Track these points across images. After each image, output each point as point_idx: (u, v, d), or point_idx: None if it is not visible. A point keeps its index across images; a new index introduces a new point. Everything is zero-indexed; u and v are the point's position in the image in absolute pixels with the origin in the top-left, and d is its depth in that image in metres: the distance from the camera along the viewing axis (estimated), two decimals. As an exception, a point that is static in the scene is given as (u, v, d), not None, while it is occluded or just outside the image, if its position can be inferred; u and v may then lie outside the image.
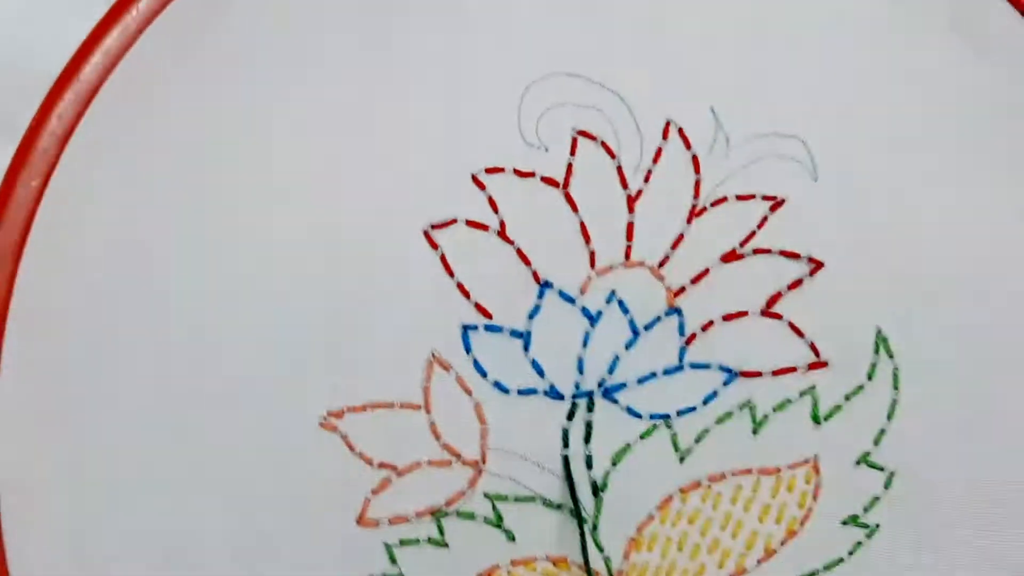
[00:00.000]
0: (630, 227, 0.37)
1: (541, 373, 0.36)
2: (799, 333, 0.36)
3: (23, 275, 0.35)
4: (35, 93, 0.35)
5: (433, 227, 0.36)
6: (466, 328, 0.36)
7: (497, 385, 0.36)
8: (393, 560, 0.34)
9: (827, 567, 0.35)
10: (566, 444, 0.35)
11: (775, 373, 0.36)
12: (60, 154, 0.35)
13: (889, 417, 0.36)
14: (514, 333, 0.36)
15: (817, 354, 0.36)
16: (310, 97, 0.36)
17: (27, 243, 0.35)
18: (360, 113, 0.36)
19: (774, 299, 0.36)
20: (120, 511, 0.34)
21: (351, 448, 0.35)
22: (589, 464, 0.35)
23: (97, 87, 0.35)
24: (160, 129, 0.36)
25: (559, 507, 0.35)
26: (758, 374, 0.36)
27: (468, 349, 0.36)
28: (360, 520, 0.34)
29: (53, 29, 0.37)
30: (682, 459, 0.35)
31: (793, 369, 0.36)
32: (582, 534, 0.35)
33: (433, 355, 0.35)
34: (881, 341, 0.36)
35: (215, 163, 0.36)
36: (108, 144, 0.36)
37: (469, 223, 0.36)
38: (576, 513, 0.35)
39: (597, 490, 0.35)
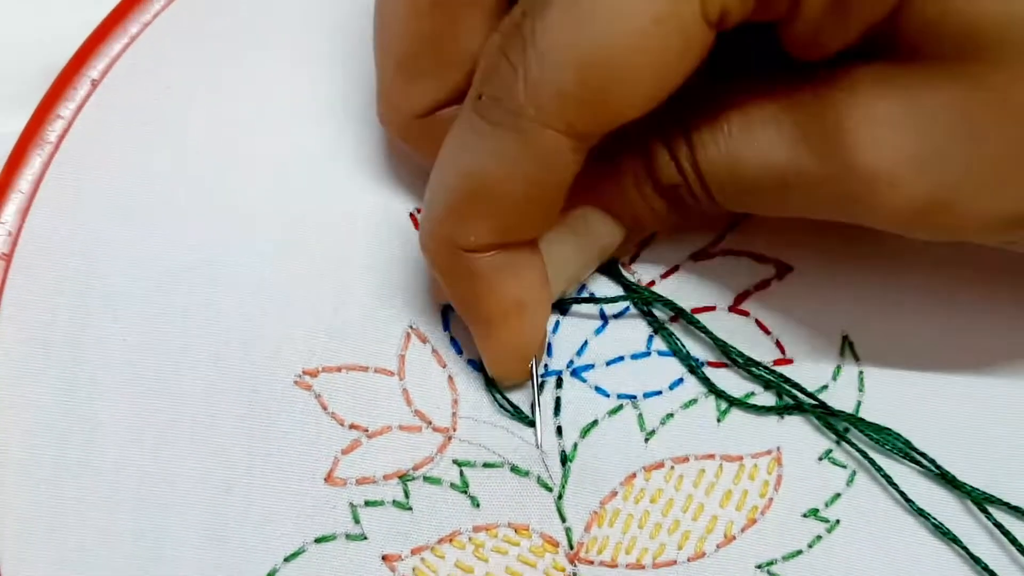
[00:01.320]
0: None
1: (513, 355, 0.37)
2: (765, 330, 0.37)
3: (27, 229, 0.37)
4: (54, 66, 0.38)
5: (419, 209, 0.38)
6: (446, 307, 0.37)
7: (471, 363, 0.37)
8: (356, 520, 0.35)
9: (786, 558, 0.35)
10: (534, 412, 0.36)
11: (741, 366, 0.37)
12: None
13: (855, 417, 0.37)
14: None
15: (783, 351, 0.37)
16: (306, 80, 0.39)
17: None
18: (353, 94, 0.39)
19: (742, 297, 0.38)
20: (97, 450, 0.35)
21: (324, 407, 0.36)
22: (560, 432, 0.36)
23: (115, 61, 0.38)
24: (160, 105, 0.39)
25: (527, 473, 0.35)
26: (724, 365, 0.37)
27: (447, 327, 0.37)
28: (328, 478, 0.35)
29: (68, 13, 0.40)
30: (647, 439, 0.36)
31: (758, 364, 0.37)
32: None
33: (411, 327, 0.37)
34: (847, 345, 0.37)
35: (217, 130, 0.39)
36: (118, 109, 0.39)
37: (452, 209, 0.38)
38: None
39: (565, 459, 0.36)
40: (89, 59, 0.38)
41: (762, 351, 0.37)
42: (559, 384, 0.36)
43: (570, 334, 0.37)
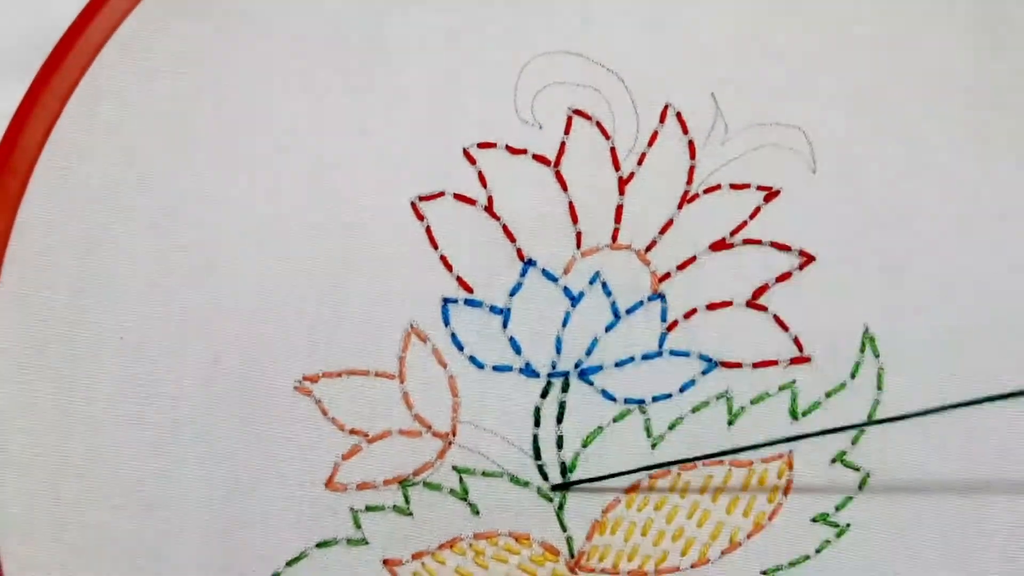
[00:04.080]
0: (619, 209, 0.36)
1: (518, 350, 0.36)
2: (784, 327, 0.36)
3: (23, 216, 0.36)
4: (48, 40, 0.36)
5: (421, 198, 0.36)
6: (446, 301, 0.36)
7: (473, 360, 0.36)
8: (358, 525, 0.35)
9: (792, 563, 0.35)
10: (537, 423, 0.35)
11: (755, 365, 0.36)
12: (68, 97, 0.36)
13: (870, 417, 0.36)
14: (494, 309, 0.36)
15: (800, 349, 0.36)
16: (307, 64, 0.37)
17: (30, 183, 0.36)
18: (359, 81, 0.37)
19: (761, 290, 0.36)
20: (101, 452, 0.35)
21: (324, 413, 0.35)
22: (560, 444, 0.35)
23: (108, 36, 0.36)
24: (161, 82, 0.37)
25: (526, 484, 0.35)
26: (738, 365, 0.36)
27: (447, 322, 0.36)
28: (328, 483, 0.35)
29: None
30: (654, 445, 0.35)
31: (774, 362, 0.36)
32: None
33: (411, 326, 0.36)
34: (868, 340, 0.36)
35: (209, 123, 0.36)
36: (110, 96, 0.36)
37: (457, 196, 0.36)
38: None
39: (565, 470, 0.35)
40: (80, 39, 0.36)
41: (778, 349, 0.36)
42: (565, 387, 0.35)
43: (581, 329, 0.36)
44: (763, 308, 0.36)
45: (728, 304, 0.36)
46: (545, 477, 0.35)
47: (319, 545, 0.35)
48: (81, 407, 0.35)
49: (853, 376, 0.36)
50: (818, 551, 0.35)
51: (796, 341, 0.36)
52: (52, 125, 0.36)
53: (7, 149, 0.35)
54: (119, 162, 0.36)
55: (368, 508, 0.35)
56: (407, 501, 0.35)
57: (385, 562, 0.35)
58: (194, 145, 0.36)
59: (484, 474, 0.35)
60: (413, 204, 0.36)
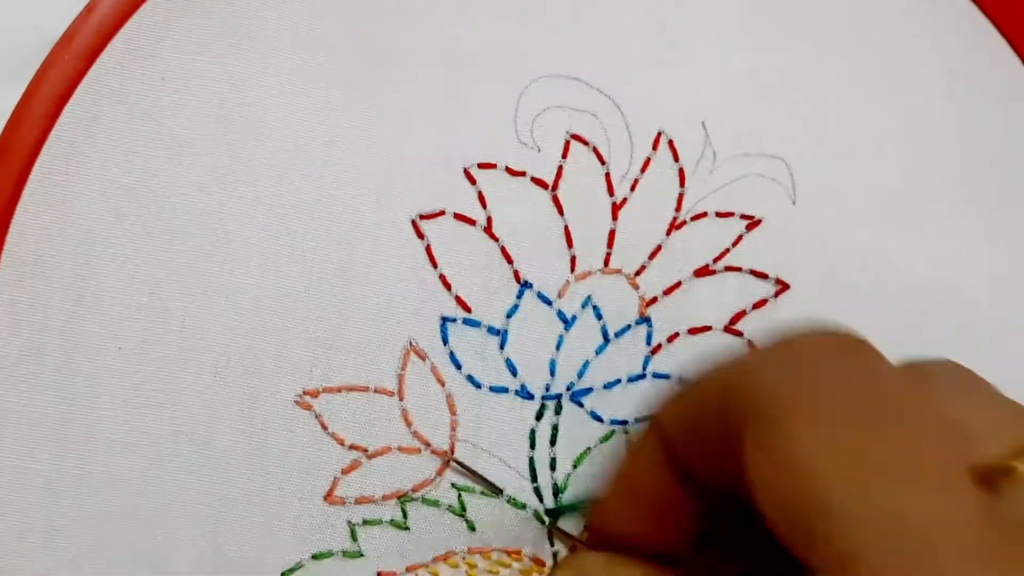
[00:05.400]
0: (611, 234, 0.38)
1: (514, 372, 0.37)
2: (758, 352, 0.38)
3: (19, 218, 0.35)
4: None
5: (421, 217, 0.37)
6: (445, 320, 0.36)
7: (470, 379, 0.37)
8: (354, 538, 0.35)
9: None
10: (532, 445, 0.37)
11: (733, 388, 0.38)
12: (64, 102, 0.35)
13: None
14: (491, 330, 0.37)
15: (774, 373, 0.38)
16: (310, 78, 0.36)
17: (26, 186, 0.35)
18: (359, 98, 0.36)
19: (738, 316, 0.38)
20: (98, 461, 0.35)
21: (324, 427, 0.36)
22: (553, 466, 0.37)
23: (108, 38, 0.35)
24: (162, 86, 0.36)
25: (523, 507, 0.36)
26: None
27: (445, 340, 0.36)
28: (327, 497, 0.35)
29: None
30: (636, 464, 0.37)
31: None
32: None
33: (411, 343, 0.36)
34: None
35: (210, 133, 0.36)
36: (110, 101, 0.36)
37: (457, 216, 0.37)
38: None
39: (558, 491, 0.37)
40: (76, 40, 0.35)
41: (754, 373, 0.38)
42: (558, 410, 0.37)
43: (573, 352, 0.37)
44: (739, 333, 0.38)
45: (707, 328, 0.38)
46: (540, 499, 0.36)
47: (315, 556, 0.35)
48: (79, 416, 0.35)
49: (821, 400, 0.38)
50: None
51: (769, 365, 0.38)
52: (49, 127, 0.35)
53: (2, 151, 0.34)
54: (118, 168, 0.35)
55: (366, 522, 0.36)
56: (405, 516, 0.36)
57: (379, 574, 0.36)
58: (194, 156, 0.36)
59: (483, 493, 0.36)
60: (414, 222, 0.36)
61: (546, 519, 0.36)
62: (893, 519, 0.21)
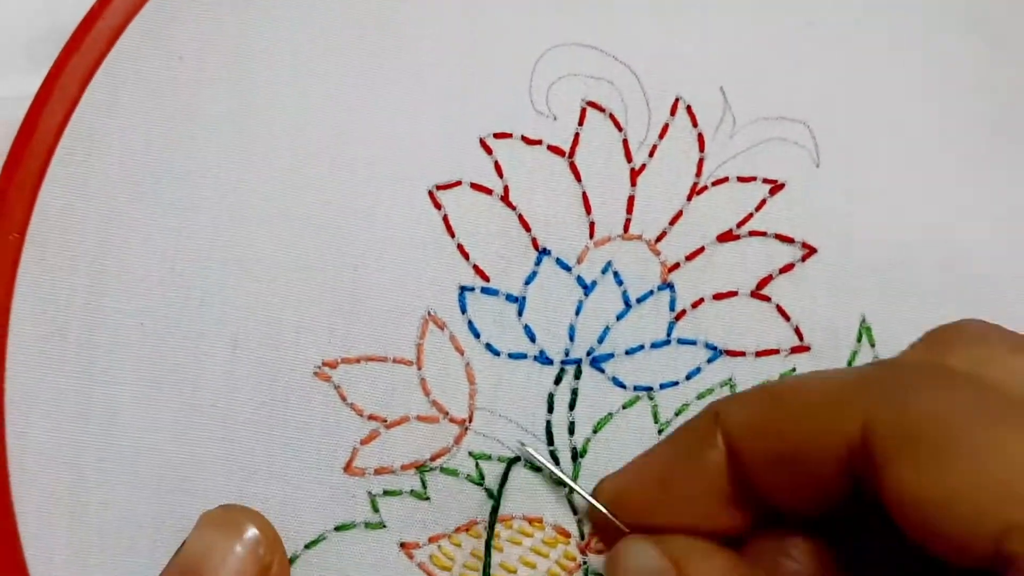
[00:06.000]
0: (631, 200, 0.37)
1: (532, 339, 0.36)
2: (785, 316, 0.37)
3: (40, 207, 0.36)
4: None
5: (438, 187, 0.37)
6: (463, 289, 0.36)
7: (489, 347, 0.36)
8: (375, 509, 0.35)
9: None
10: (551, 409, 0.36)
11: (758, 354, 0.37)
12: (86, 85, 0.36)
13: None
14: (509, 297, 0.37)
15: (801, 338, 0.37)
16: (324, 51, 0.37)
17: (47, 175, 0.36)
18: (376, 70, 0.37)
19: (765, 281, 0.37)
20: (122, 436, 0.35)
21: (343, 398, 0.36)
22: (572, 430, 0.36)
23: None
24: (180, 66, 0.36)
25: (539, 470, 0.36)
26: (741, 354, 0.37)
27: (464, 309, 0.36)
28: (347, 468, 0.35)
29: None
30: (661, 431, 0.36)
31: (776, 351, 0.37)
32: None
33: (429, 313, 0.36)
34: (865, 330, 0.37)
35: (227, 109, 0.36)
36: (130, 82, 0.36)
37: (474, 186, 0.37)
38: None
39: (577, 455, 0.36)
40: (97, 24, 0.36)
41: (780, 338, 0.37)
42: (577, 374, 0.36)
43: (593, 317, 0.37)
44: (766, 298, 0.37)
45: (734, 294, 0.37)
46: (557, 462, 0.36)
47: (337, 528, 0.35)
48: (101, 392, 0.35)
49: (850, 364, 0.37)
50: None
51: (797, 330, 0.37)
52: (71, 110, 0.36)
53: (27, 133, 0.35)
54: (138, 147, 0.36)
55: (386, 492, 0.35)
56: (424, 486, 0.36)
57: (402, 545, 0.35)
58: (212, 131, 0.36)
59: (500, 460, 0.36)
60: (430, 193, 0.37)
61: (565, 482, 0.36)
62: None
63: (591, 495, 0.35)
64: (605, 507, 0.34)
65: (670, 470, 0.34)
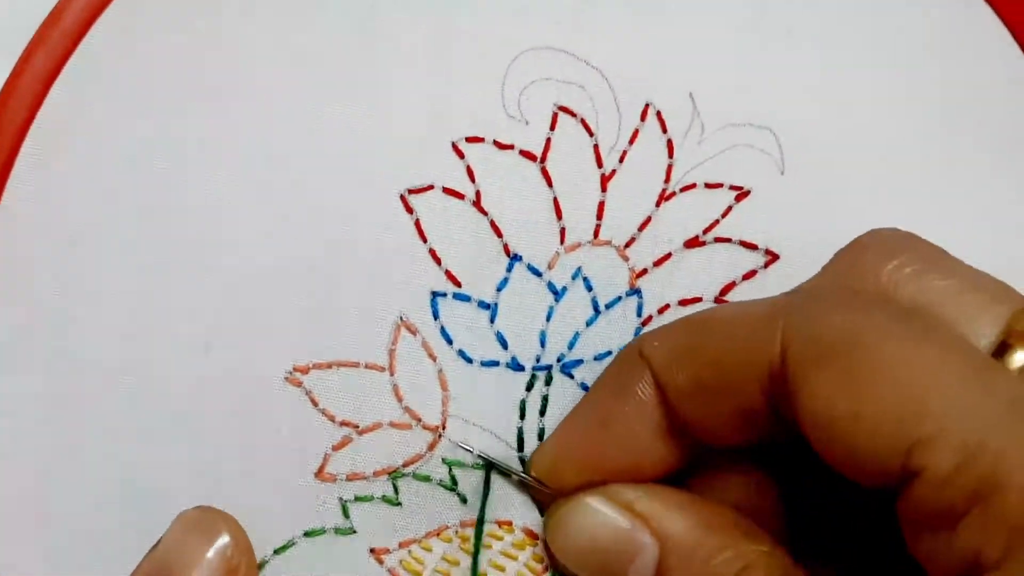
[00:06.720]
0: (601, 206, 0.37)
1: (505, 345, 0.36)
2: (748, 323, 0.38)
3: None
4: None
5: (410, 191, 0.36)
6: (435, 294, 0.36)
7: (461, 354, 0.36)
8: (346, 514, 0.35)
9: None
10: (523, 415, 0.36)
11: (722, 359, 0.38)
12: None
13: None
14: (482, 304, 0.37)
15: (764, 344, 0.38)
16: (295, 54, 0.36)
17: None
18: (345, 74, 0.36)
19: (728, 287, 0.38)
20: (88, 443, 0.35)
21: (315, 403, 0.35)
22: (541, 436, 0.37)
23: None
24: (149, 70, 0.35)
25: (510, 476, 0.36)
26: None
27: (436, 315, 0.36)
28: (318, 474, 0.35)
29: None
30: (626, 436, 0.37)
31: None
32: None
33: (401, 319, 0.36)
34: (825, 336, 0.38)
35: (200, 110, 0.36)
36: (96, 82, 0.35)
37: (446, 190, 0.37)
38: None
39: None
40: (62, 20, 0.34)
41: (744, 344, 0.38)
42: (548, 380, 0.37)
43: (563, 324, 0.37)
44: (730, 305, 0.38)
45: (698, 300, 0.38)
46: (527, 470, 0.36)
47: (307, 534, 0.35)
48: (68, 397, 0.34)
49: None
50: None
51: (759, 336, 0.38)
52: (36, 109, 0.34)
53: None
54: (105, 148, 0.35)
55: (357, 498, 0.35)
56: (396, 492, 0.36)
57: (372, 551, 0.35)
58: (180, 133, 0.35)
59: (475, 467, 0.36)
60: (402, 197, 0.36)
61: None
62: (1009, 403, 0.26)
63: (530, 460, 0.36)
64: (534, 478, 0.35)
65: (606, 410, 0.34)
